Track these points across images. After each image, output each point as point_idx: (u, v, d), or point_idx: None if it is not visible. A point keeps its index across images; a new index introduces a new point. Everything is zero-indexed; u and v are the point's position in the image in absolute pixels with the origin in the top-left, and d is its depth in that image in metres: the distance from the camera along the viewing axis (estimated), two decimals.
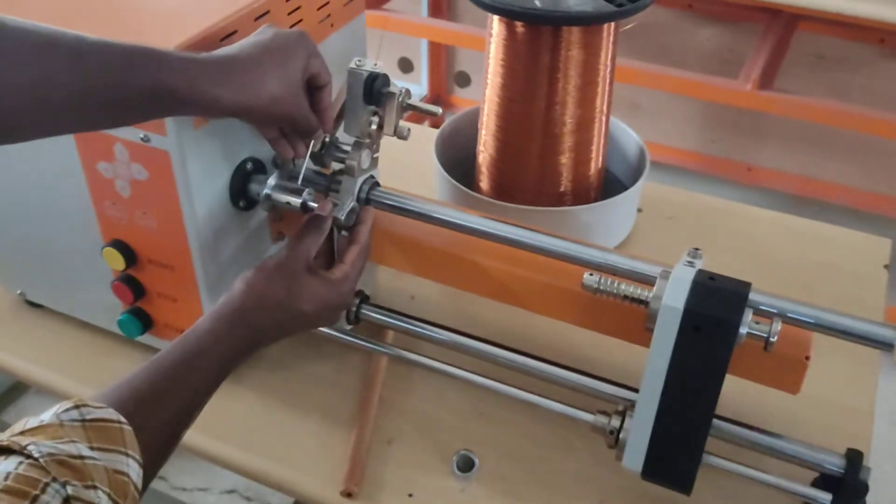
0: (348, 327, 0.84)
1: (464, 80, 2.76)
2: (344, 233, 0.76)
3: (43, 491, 0.44)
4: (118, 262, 0.79)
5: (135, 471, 0.50)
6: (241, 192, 0.77)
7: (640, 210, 1.09)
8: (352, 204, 0.75)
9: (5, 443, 0.46)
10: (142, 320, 0.83)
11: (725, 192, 2.47)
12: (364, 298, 0.84)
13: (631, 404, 0.71)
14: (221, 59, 0.63)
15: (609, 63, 0.96)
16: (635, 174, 1.06)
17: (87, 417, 0.50)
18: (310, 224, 0.72)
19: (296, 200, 0.74)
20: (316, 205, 0.74)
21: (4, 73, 0.54)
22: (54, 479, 0.44)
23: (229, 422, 0.82)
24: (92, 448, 0.48)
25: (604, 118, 1.00)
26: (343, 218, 0.74)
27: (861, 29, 1.98)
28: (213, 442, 0.80)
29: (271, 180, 0.75)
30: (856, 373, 0.88)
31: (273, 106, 0.65)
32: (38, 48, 0.56)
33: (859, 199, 2.33)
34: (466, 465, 0.78)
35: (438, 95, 2.78)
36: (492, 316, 0.91)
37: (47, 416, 0.49)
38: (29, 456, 0.45)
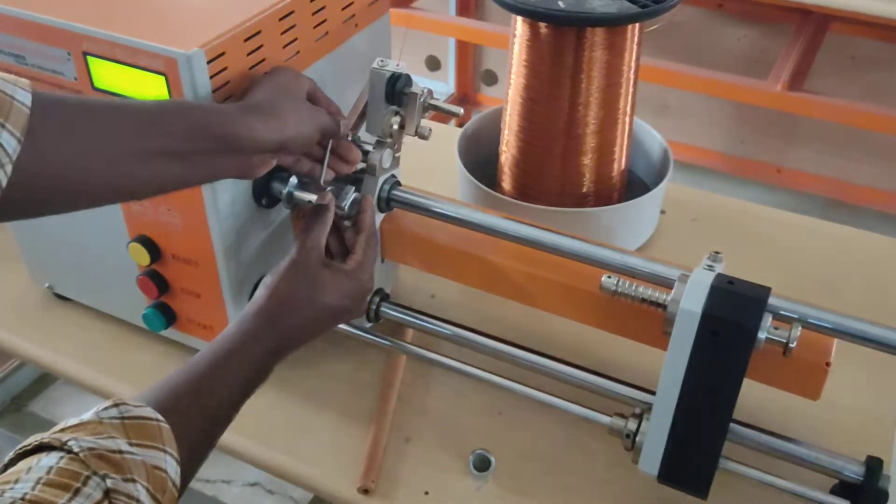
0: (368, 325, 0.85)
1: (491, 78, 2.76)
2: (347, 222, 0.76)
3: (84, 483, 0.45)
4: (143, 258, 0.80)
5: (172, 467, 0.51)
6: (263, 189, 0.78)
7: (663, 212, 1.09)
8: (353, 194, 0.76)
9: (46, 440, 0.47)
10: (166, 315, 0.85)
11: (755, 193, 2.45)
12: (384, 297, 0.84)
13: (648, 407, 0.71)
14: (250, 105, 0.67)
15: (633, 64, 0.96)
16: (659, 175, 1.05)
17: (126, 415, 0.51)
18: (314, 217, 0.73)
19: None
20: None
21: (87, 152, 0.57)
22: (94, 473, 0.45)
23: (248, 416, 0.82)
24: (131, 444, 0.49)
25: (627, 119, 1.00)
26: (347, 208, 0.75)
27: (894, 30, 1.95)
28: (231, 435, 0.81)
29: (294, 178, 0.76)
30: (878, 379, 0.87)
31: (301, 126, 0.69)
32: (112, 120, 0.59)
33: (892, 203, 2.30)
34: (483, 465, 0.79)
35: (465, 94, 2.78)
36: (511, 316, 0.91)
37: (87, 415, 0.51)
38: (70, 451, 0.46)
